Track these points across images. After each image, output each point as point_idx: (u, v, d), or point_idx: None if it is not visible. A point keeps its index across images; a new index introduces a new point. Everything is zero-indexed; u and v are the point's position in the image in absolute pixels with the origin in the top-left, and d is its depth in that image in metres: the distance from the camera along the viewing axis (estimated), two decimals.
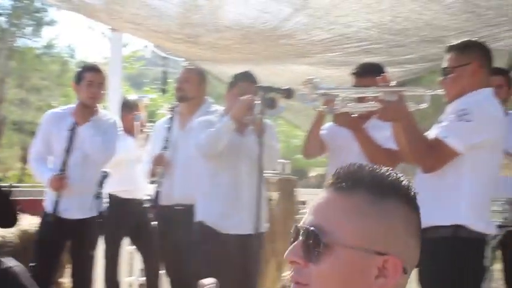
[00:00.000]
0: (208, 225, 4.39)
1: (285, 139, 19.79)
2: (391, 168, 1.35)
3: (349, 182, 1.30)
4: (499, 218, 4.53)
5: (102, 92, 4.90)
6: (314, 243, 1.26)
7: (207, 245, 4.35)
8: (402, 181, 1.33)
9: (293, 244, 1.30)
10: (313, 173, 24.02)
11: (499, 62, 6.16)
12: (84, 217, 4.80)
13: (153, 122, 5.80)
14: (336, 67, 6.12)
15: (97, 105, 4.91)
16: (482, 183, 3.35)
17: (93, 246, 4.88)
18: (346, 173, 1.32)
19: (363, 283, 1.26)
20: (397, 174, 1.34)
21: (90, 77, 4.81)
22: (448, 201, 3.32)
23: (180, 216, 4.90)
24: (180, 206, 4.97)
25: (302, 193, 6.72)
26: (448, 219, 3.30)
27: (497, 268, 5.21)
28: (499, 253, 4.92)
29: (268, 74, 6.66)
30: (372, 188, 1.29)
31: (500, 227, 4.48)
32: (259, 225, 3.74)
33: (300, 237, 1.30)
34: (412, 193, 1.34)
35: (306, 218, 1.32)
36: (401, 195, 1.32)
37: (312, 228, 1.27)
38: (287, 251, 1.31)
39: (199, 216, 4.46)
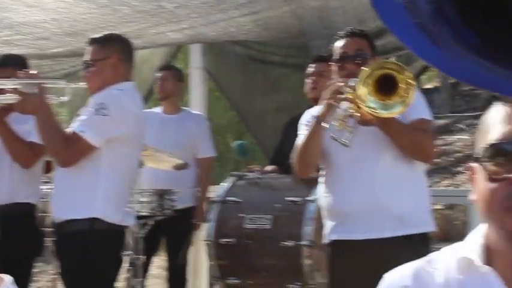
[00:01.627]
0: None
1: None
2: None
3: None
4: (147, 208, 4.65)
5: None
6: None
7: None
8: None
9: None
10: None
11: (157, 59, 6.32)
12: None
13: None
14: None
15: None
16: (119, 177, 3.41)
17: None
18: None
19: None
20: None
21: None
22: (84, 194, 3.34)
23: None
24: None
25: None
26: (84, 212, 3.32)
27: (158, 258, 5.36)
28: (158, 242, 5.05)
29: None
30: None
31: (148, 217, 4.62)
32: None
33: None
34: None
35: None
36: None
37: None
38: None
39: None
